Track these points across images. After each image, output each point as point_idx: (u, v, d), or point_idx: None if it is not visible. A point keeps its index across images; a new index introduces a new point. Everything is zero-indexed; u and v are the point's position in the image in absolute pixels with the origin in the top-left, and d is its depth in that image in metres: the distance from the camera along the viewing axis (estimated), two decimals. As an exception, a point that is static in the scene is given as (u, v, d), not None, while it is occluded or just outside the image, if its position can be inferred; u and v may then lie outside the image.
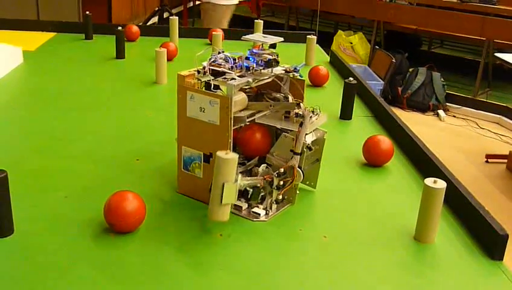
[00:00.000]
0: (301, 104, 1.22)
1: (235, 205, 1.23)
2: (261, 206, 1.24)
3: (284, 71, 1.26)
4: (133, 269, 1.04)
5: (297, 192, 1.25)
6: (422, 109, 5.68)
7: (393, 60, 5.59)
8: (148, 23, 6.53)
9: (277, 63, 1.24)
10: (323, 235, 1.20)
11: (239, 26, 3.85)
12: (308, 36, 2.57)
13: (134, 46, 2.70)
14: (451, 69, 6.28)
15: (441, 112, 5.61)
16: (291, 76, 1.27)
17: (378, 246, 1.17)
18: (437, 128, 5.32)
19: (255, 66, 1.21)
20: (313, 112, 1.21)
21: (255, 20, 2.79)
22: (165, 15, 6.60)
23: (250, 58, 1.22)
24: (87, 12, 2.79)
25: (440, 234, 1.18)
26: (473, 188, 3.75)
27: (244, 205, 1.24)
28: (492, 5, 5.55)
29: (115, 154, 1.52)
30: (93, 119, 1.79)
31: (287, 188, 1.22)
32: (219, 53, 1.23)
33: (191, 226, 1.19)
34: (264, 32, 2.67)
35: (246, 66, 1.21)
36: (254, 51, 1.22)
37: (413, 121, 5.32)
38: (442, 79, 5.72)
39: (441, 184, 1.13)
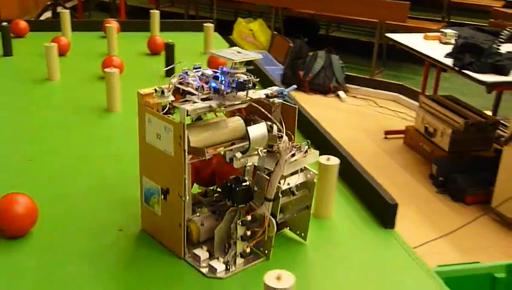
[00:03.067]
0: (284, 136, 0.97)
1: (194, 253, 1.00)
2: (222, 259, 0.98)
3: (264, 96, 1.00)
4: (28, 274, 0.96)
5: (273, 245, 0.99)
6: (324, 91, 5.59)
7: (291, 45, 5.47)
8: (40, 18, 6.02)
9: (254, 85, 0.98)
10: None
11: (136, 17, 3.55)
12: (204, 24, 2.38)
13: (23, 42, 2.41)
14: (349, 51, 6.24)
15: (341, 93, 5.56)
16: (274, 102, 1.01)
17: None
18: (338, 109, 5.26)
19: (223, 87, 0.96)
20: (299, 147, 0.97)
21: (151, 11, 2.55)
22: (59, 9, 6.10)
23: (220, 78, 0.96)
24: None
25: (337, 208, 1.18)
26: (373, 164, 3.69)
27: (204, 255, 0.99)
28: (383, -12, 5.54)
29: (6, 156, 1.39)
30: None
31: (256, 240, 0.98)
32: (195, 69, 0.98)
33: (89, 228, 1.09)
34: (161, 24, 2.52)
35: (213, 88, 0.96)
36: (225, 69, 0.96)
37: (315, 103, 5.24)
38: (340, 61, 5.66)
39: (334, 161, 1.12)
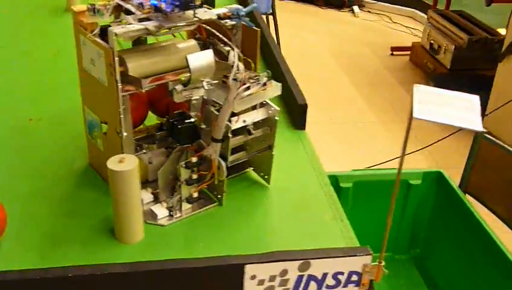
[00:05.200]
0: (240, 65, 0.73)
1: None
2: (165, 204, 0.78)
3: (216, 16, 0.75)
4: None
5: (225, 190, 0.79)
6: (338, 5, 5.13)
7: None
8: None
9: (202, 3, 0.74)
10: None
11: None
12: None
13: None
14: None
15: (355, 7, 5.11)
16: (227, 24, 0.77)
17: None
18: (350, 24, 4.83)
19: (164, 6, 0.71)
20: (257, 79, 0.73)
21: None
22: None
23: (160, -6, 0.71)
24: None
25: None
26: (371, 80, 3.30)
27: (148, 197, 0.79)
28: None
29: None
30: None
31: (204, 184, 0.77)
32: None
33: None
34: None
35: (154, 5, 0.72)
36: (167, -17, 0.71)
37: (328, 18, 4.81)
38: (358, -27, 5.16)
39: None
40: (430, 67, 3.71)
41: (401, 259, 1.36)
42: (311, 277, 0.65)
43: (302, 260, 0.63)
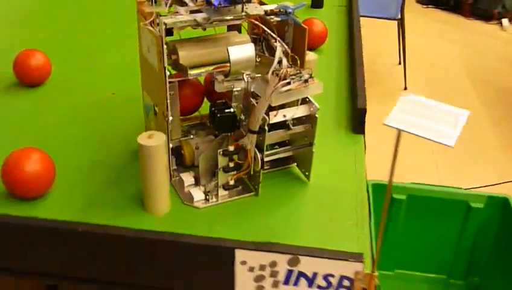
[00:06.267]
0: (284, 61, 0.75)
1: (180, 177, 0.84)
2: (203, 188, 0.82)
3: (264, 12, 0.78)
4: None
5: (260, 181, 0.80)
6: (486, 17, 4.80)
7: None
8: None
9: (249, -2, 0.77)
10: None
11: None
12: None
13: None
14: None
15: (504, 20, 4.73)
16: (273, 20, 0.78)
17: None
18: (495, 37, 4.44)
19: (213, 0, 0.75)
20: (298, 75, 0.74)
21: None
22: None
23: (212, -13, 0.75)
24: None
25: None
26: (507, 99, 2.99)
27: (189, 180, 0.83)
28: None
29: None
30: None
31: (242, 173, 0.80)
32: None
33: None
34: None
35: (206, -1, 0.77)
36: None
37: (471, 29, 4.48)
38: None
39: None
40: None
41: (456, 284, 1.27)
42: (301, 274, 0.66)
43: (290, 254, 0.64)
